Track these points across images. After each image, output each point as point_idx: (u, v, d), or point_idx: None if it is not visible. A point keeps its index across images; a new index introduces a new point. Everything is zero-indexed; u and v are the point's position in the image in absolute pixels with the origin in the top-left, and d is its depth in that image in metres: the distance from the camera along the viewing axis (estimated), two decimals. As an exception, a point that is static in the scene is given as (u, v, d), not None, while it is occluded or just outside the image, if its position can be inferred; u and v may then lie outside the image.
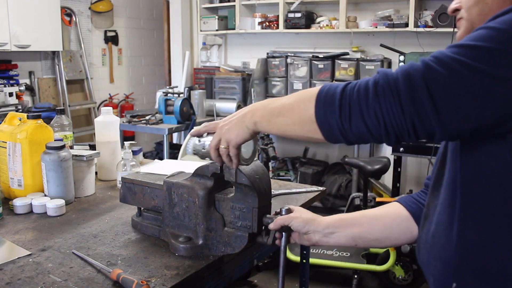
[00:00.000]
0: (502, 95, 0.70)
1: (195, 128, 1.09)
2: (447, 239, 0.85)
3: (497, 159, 0.77)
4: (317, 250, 3.01)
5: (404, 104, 0.74)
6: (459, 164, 0.83)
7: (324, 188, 1.76)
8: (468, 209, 0.81)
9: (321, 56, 4.12)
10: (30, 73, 4.67)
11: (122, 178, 1.37)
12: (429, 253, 0.90)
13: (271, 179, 1.21)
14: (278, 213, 1.12)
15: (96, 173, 1.79)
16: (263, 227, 1.12)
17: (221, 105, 4.30)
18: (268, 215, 1.11)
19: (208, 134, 1.07)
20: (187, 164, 2.07)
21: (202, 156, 1.19)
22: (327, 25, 4.13)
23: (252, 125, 0.94)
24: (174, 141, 5.07)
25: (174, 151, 4.19)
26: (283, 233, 1.09)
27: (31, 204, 1.47)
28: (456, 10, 0.91)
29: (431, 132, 0.74)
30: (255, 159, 1.11)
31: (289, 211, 1.11)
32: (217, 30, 4.67)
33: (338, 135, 0.82)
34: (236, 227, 1.13)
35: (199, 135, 1.10)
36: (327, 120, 0.82)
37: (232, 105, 4.24)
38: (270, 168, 3.92)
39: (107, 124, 1.82)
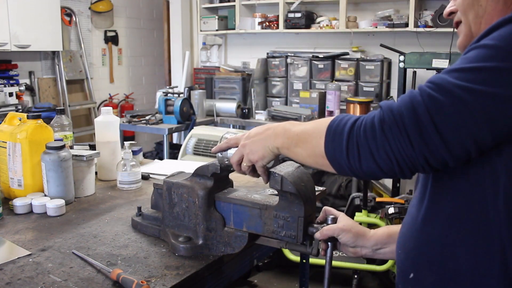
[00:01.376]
0: (505, 115, 0.70)
1: (218, 145, 1.10)
2: (411, 231, 0.88)
3: (472, 165, 0.77)
4: (317, 250, 3.00)
5: (413, 139, 0.73)
6: None
7: (324, 188, 1.76)
8: (434, 206, 0.84)
9: (321, 56, 4.12)
10: (30, 73, 4.67)
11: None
12: (398, 241, 0.94)
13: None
14: (323, 222, 1.08)
15: (96, 173, 1.79)
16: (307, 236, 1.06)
17: (221, 105, 4.30)
18: (314, 225, 1.05)
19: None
20: (187, 164, 2.07)
21: (225, 168, 1.17)
22: (327, 25, 4.13)
23: (275, 150, 0.96)
24: (174, 141, 5.07)
25: (174, 151, 4.19)
26: (329, 243, 1.03)
27: (31, 204, 1.47)
28: (452, 13, 0.91)
29: (443, 161, 0.74)
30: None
31: (334, 220, 1.06)
32: (217, 30, 4.67)
33: (349, 173, 0.83)
34: (279, 237, 1.07)
35: (222, 151, 1.11)
36: (336, 159, 0.83)
37: (232, 105, 4.24)
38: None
39: (107, 124, 1.82)
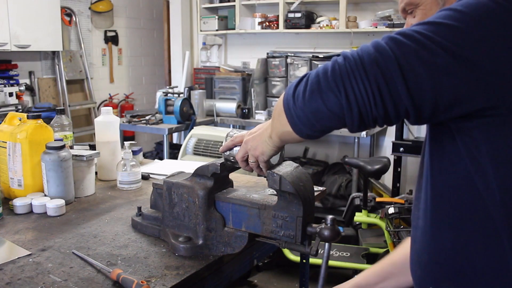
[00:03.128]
0: (456, 74, 0.69)
1: (224, 144, 1.11)
2: (423, 244, 0.86)
3: (459, 163, 0.77)
4: (317, 250, 3.00)
5: (368, 71, 0.70)
6: (429, 171, 0.84)
7: (324, 188, 1.76)
8: (439, 214, 0.82)
9: (321, 56, 4.12)
10: (30, 73, 4.67)
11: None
12: (412, 259, 0.92)
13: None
14: (323, 223, 1.06)
15: (96, 173, 1.79)
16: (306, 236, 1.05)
17: (221, 105, 4.30)
18: (313, 224, 1.04)
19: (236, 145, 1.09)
20: (187, 164, 2.07)
21: (232, 166, 1.17)
22: (327, 25, 4.13)
23: (270, 141, 0.95)
24: (174, 141, 5.07)
25: (174, 151, 4.19)
26: (326, 244, 1.02)
27: (31, 204, 1.47)
28: (404, 9, 0.91)
29: (398, 100, 0.70)
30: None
31: (333, 220, 1.02)
32: (217, 30, 4.67)
33: (293, 117, 0.80)
34: (278, 237, 1.06)
35: (229, 150, 1.11)
36: (288, 108, 0.81)
37: (232, 105, 4.24)
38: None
39: (107, 124, 1.82)
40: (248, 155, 1.03)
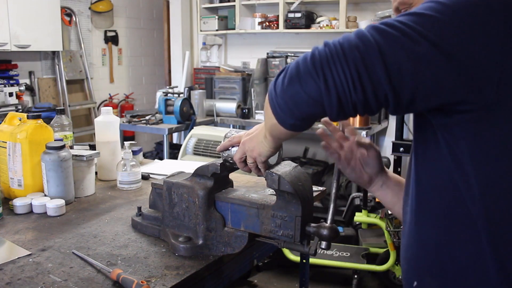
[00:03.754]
0: (436, 63, 0.69)
1: (222, 144, 1.12)
2: (409, 240, 0.87)
3: (441, 160, 0.78)
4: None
5: (348, 57, 0.70)
6: (414, 168, 0.85)
7: (324, 188, 1.75)
8: (423, 210, 0.83)
9: (321, 56, 4.12)
10: (30, 73, 4.67)
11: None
12: (401, 254, 0.93)
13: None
14: (323, 222, 1.06)
15: (96, 173, 1.79)
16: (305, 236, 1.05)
17: (221, 105, 4.30)
18: (311, 224, 1.03)
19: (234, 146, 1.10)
20: (187, 164, 2.07)
21: (230, 166, 1.18)
22: (327, 25, 4.13)
23: (265, 141, 0.96)
24: (174, 141, 5.07)
25: (174, 151, 4.19)
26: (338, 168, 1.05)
27: (31, 204, 1.47)
28: (397, 8, 0.92)
29: (377, 84, 0.70)
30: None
31: (333, 219, 1.02)
32: (217, 30, 4.67)
33: (277, 108, 0.79)
34: (277, 236, 1.06)
35: (226, 149, 1.12)
36: (270, 98, 0.80)
37: (232, 105, 4.24)
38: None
39: (107, 124, 1.82)
40: (246, 156, 1.03)
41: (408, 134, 3.90)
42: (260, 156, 0.99)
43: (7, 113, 1.63)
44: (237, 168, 1.16)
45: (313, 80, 0.73)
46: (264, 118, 0.91)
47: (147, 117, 3.92)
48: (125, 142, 1.80)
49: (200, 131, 3.34)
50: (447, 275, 0.80)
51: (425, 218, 0.83)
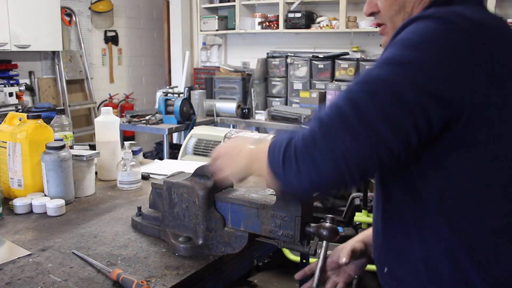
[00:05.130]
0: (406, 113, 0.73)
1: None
2: (377, 231, 0.95)
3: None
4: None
5: (358, 135, 0.73)
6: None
7: (324, 188, 1.75)
8: (382, 202, 0.91)
9: (321, 56, 4.12)
10: (30, 73, 4.67)
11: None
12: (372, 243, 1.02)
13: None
14: (323, 222, 1.07)
15: (96, 173, 1.79)
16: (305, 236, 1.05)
17: (221, 105, 4.30)
18: (311, 224, 1.03)
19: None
20: (187, 164, 2.07)
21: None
22: (327, 25, 4.13)
23: (242, 170, 0.97)
24: (174, 141, 5.07)
25: (174, 151, 4.19)
26: (323, 242, 1.02)
27: (31, 204, 1.47)
28: (373, 13, 0.93)
29: (392, 150, 0.74)
30: None
31: (333, 219, 1.03)
32: (217, 30, 4.67)
33: (287, 188, 0.84)
34: (277, 236, 1.06)
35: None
36: (276, 174, 0.83)
37: (232, 105, 4.24)
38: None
39: (107, 124, 1.82)
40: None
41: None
42: (232, 177, 1.02)
43: (7, 113, 1.63)
44: None
45: (329, 166, 0.76)
46: (253, 157, 0.92)
47: (147, 117, 3.92)
48: (125, 142, 1.80)
49: (200, 131, 3.34)
50: (407, 263, 0.86)
51: (383, 210, 0.90)
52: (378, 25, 0.94)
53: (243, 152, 0.96)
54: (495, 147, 0.76)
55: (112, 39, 5.46)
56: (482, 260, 0.78)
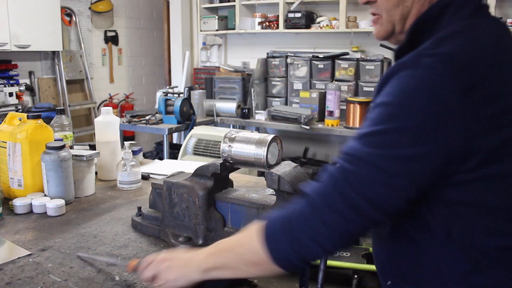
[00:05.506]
0: (415, 171, 0.73)
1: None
2: (380, 246, 0.95)
3: None
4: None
5: (344, 213, 0.75)
6: None
7: (324, 188, 1.75)
8: (391, 222, 0.88)
9: (321, 56, 4.12)
10: (30, 73, 4.67)
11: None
12: (373, 254, 1.01)
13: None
14: None
15: (96, 173, 1.79)
16: None
17: (221, 105, 4.30)
18: None
19: None
20: (187, 164, 2.07)
21: (231, 166, 1.18)
22: (327, 25, 4.13)
23: (199, 274, 0.90)
24: (174, 141, 5.07)
25: (174, 151, 4.19)
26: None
27: (31, 204, 1.47)
28: (369, 1, 0.90)
29: (378, 220, 0.77)
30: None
31: None
32: (217, 30, 4.67)
33: (300, 264, 0.85)
34: None
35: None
36: (283, 257, 0.82)
37: (232, 105, 4.24)
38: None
39: (107, 124, 1.82)
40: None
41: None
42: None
43: (7, 113, 1.63)
44: (238, 168, 1.15)
45: (323, 239, 0.79)
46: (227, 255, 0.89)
47: (147, 117, 3.92)
48: (125, 142, 1.80)
49: (200, 131, 3.34)
50: (416, 278, 0.84)
51: (389, 228, 0.88)
52: (373, 14, 0.92)
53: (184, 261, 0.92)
54: (500, 174, 0.75)
55: (112, 39, 5.46)
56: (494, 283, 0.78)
